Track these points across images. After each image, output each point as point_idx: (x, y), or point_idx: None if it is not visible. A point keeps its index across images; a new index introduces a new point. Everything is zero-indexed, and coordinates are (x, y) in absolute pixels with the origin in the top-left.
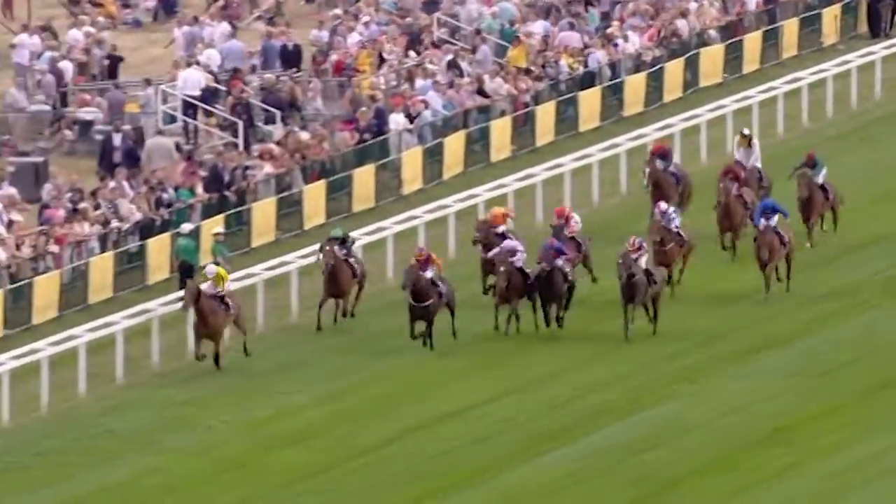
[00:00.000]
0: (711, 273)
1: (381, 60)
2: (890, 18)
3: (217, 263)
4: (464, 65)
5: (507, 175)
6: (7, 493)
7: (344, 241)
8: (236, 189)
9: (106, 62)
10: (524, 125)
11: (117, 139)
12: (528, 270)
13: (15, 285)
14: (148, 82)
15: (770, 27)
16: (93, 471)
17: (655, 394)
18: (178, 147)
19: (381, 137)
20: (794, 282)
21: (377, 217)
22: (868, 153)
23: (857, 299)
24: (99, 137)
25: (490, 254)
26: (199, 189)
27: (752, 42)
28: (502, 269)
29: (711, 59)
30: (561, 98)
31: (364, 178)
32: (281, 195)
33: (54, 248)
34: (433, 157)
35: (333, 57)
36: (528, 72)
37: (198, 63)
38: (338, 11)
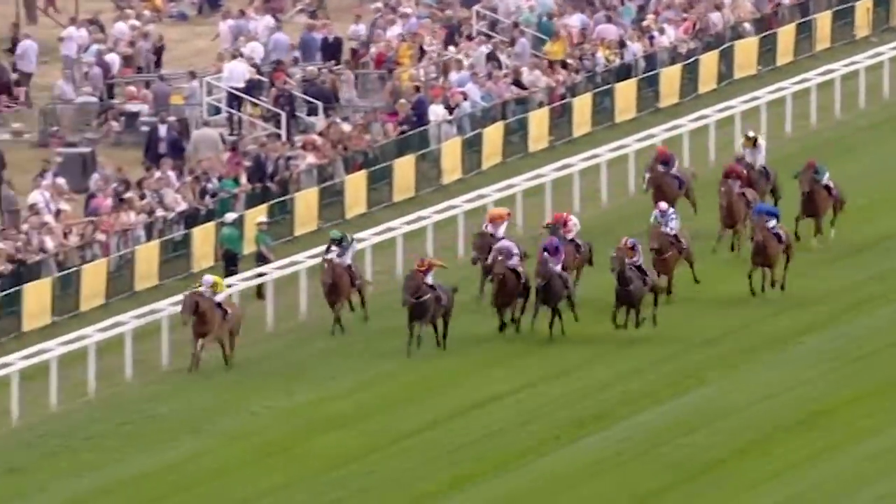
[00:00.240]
0: (746, 264)
1: (422, 53)
2: None
3: (261, 252)
4: (502, 57)
5: (544, 165)
6: (55, 476)
7: (341, 242)
8: (279, 179)
9: (153, 56)
10: (561, 116)
11: (163, 130)
12: (521, 271)
13: (63, 273)
14: (193, 75)
15: (803, 20)
16: (138, 455)
17: (690, 380)
18: (222, 138)
19: (422, 128)
20: (828, 269)
21: (417, 206)
22: None
23: (892, 286)
24: (145, 128)
25: (489, 259)
26: (243, 179)
27: (786, 35)
28: (497, 271)
29: (746, 51)
30: (598, 90)
31: (404, 168)
32: (323, 185)
33: (101, 236)
34: (472, 147)
35: (374, 50)
36: (564, 65)
37: (241, 55)
38: (378, 5)
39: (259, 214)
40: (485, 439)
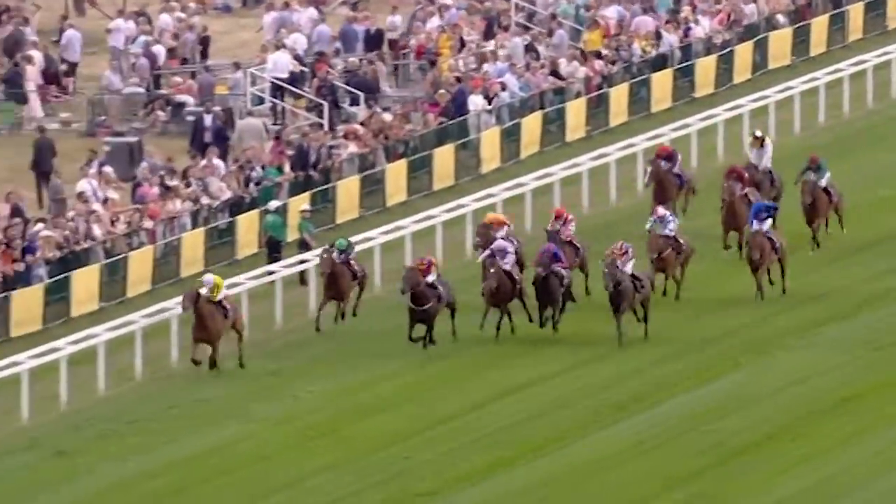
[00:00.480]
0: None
1: (462, 44)
2: None
3: (303, 239)
4: (540, 48)
5: (581, 154)
6: (102, 459)
7: (344, 251)
8: (322, 168)
9: (198, 47)
10: (598, 106)
11: (208, 120)
12: (517, 275)
13: (110, 260)
14: (237, 66)
15: (836, 11)
16: (184, 438)
17: (722, 365)
18: (266, 127)
19: (461, 118)
20: (854, 259)
21: (456, 195)
22: None
23: None
24: (190, 118)
25: (480, 257)
26: (287, 168)
27: (819, 26)
28: (491, 271)
29: (780, 42)
30: (634, 80)
31: (444, 157)
32: (364, 174)
33: (148, 224)
34: (510, 137)
35: (413, 41)
36: (598, 55)
37: (284, 47)
38: None
39: (302, 202)
40: (522, 423)
